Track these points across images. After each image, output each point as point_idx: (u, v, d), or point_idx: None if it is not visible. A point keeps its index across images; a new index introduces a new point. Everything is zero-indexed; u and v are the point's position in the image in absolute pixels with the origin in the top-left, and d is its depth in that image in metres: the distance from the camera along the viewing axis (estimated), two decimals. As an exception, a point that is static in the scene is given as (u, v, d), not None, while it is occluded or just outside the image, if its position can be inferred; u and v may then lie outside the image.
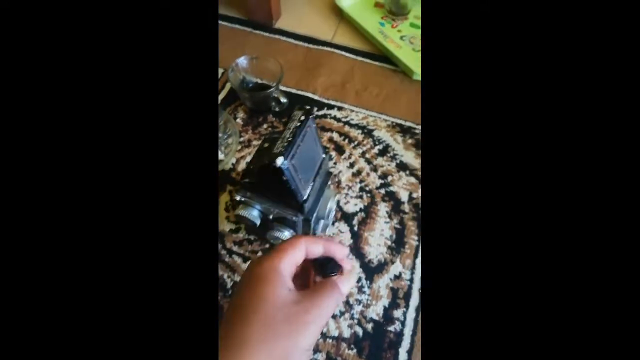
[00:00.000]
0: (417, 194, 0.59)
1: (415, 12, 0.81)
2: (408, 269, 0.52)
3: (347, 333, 0.48)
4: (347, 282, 0.30)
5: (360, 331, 0.48)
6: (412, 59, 0.72)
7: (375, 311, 0.49)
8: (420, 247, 0.54)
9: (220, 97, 0.69)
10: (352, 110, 0.68)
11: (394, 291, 0.51)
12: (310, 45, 0.77)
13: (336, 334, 0.48)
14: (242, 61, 0.65)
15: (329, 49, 0.77)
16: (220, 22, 0.80)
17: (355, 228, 0.55)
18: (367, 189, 0.59)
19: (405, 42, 0.76)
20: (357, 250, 0.54)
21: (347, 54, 0.76)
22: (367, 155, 0.62)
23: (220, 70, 0.72)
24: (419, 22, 0.80)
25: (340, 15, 0.83)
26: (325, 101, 0.69)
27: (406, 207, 0.57)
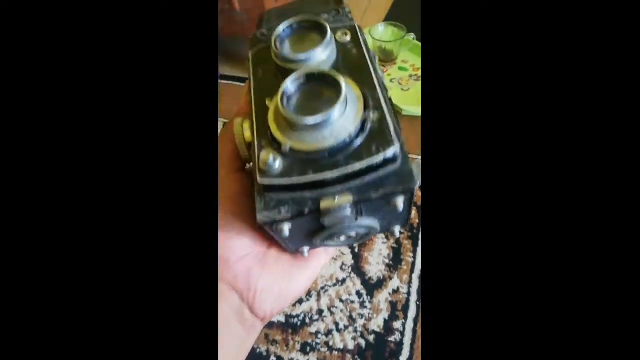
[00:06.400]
0: (411, 215, 0.64)
1: (401, 57, 0.90)
2: (405, 284, 0.57)
3: (351, 345, 0.52)
4: None
5: (363, 343, 0.52)
6: (400, 98, 0.80)
7: (377, 324, 0.53)
8: (415, 263, 0.59)
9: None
10: (349, 147, 0.75)
11: (393, 304, 0.55)
12: (310, 94, 0.87)
13: (341, 347, 0.52)
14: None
15: (326, 95, 0.86)
16: (220, 80, 0.91)
17: (356, 249, 0.61)
18: (365, 214, 0.65)
19: (394, 84, 0.85)
20: (358, 269, 0.59)
21: (343, 98, 0.85)
22: (364, 185, 0.69)
23: (221, 122, 0.80)
24: (405, 65, 0.89)
25: (336, 65, 0.94)
26: (325, 140, 0.77)
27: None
